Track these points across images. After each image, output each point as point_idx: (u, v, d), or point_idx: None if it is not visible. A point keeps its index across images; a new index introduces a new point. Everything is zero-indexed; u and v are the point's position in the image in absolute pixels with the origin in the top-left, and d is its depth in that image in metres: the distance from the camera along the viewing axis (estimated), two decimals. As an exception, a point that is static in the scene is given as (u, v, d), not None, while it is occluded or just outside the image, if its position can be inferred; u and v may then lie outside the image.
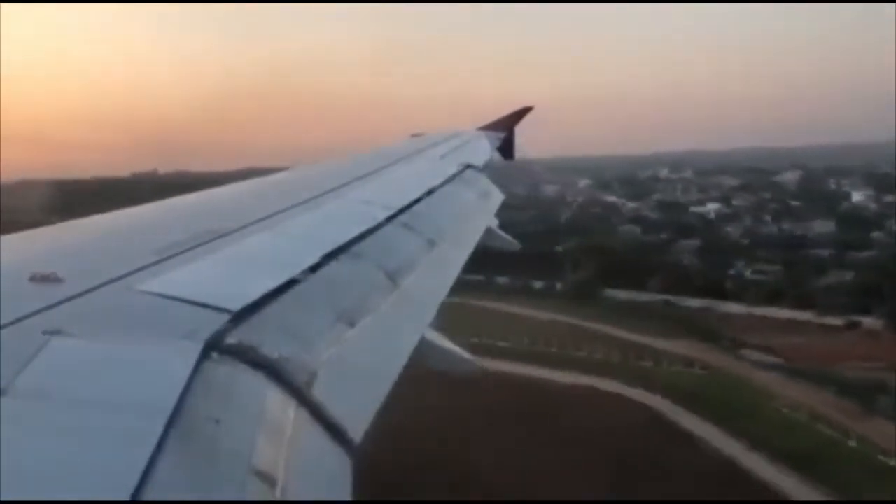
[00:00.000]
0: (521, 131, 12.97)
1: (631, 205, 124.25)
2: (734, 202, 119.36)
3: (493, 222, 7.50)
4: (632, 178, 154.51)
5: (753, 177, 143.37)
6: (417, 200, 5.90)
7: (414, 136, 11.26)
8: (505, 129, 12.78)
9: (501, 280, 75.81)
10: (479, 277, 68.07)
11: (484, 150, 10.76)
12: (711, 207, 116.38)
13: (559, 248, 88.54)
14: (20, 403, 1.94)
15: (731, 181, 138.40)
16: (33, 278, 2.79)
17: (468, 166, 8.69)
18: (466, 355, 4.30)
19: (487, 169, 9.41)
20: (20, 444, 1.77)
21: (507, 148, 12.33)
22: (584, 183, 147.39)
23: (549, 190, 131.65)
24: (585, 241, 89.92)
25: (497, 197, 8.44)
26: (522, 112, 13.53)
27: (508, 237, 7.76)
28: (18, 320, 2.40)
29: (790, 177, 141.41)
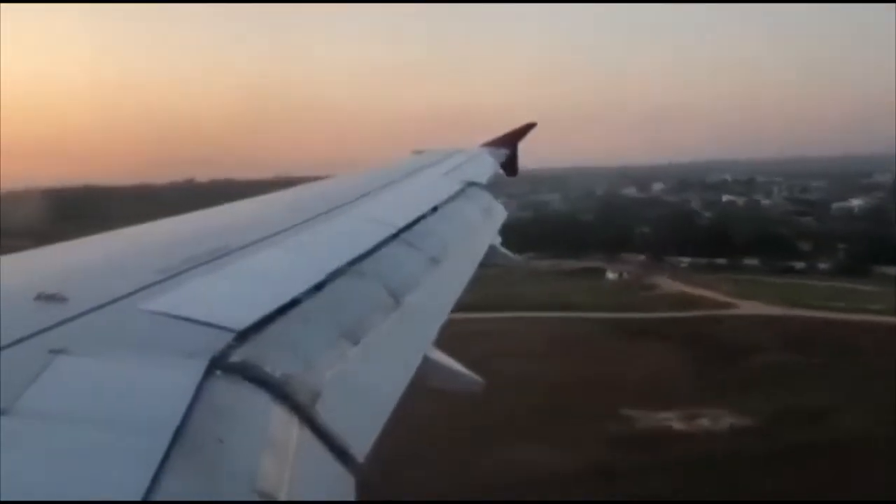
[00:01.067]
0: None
1: (766, 202, 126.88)
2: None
3: (497, 240, 7.51)
4: (700, 181, 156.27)
5: (848, 179, 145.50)
6: (421, 218, 5.91)
7: (416, 152, 11.28)
8: (509, 145, 12.79)
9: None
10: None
11: (487, 167, 10.78)
12: (855, 203, 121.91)
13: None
14: (24, 422, 1.94)
15: (821, 183, 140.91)
16: (38, 297, 2.80)
17: (471, 183, 8.71)
18: (469, 373, 4.30)
19: (491, 185, 9.43)
20: (23, 463, 1.77)
21: (510, 164, 12.33)
22: (658, 186, 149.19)
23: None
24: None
25: (500, 214, 8.45)
26: (526, 128, 13.54)
27: (512, 254, 7.76)
28: (23, 339, 2.41)
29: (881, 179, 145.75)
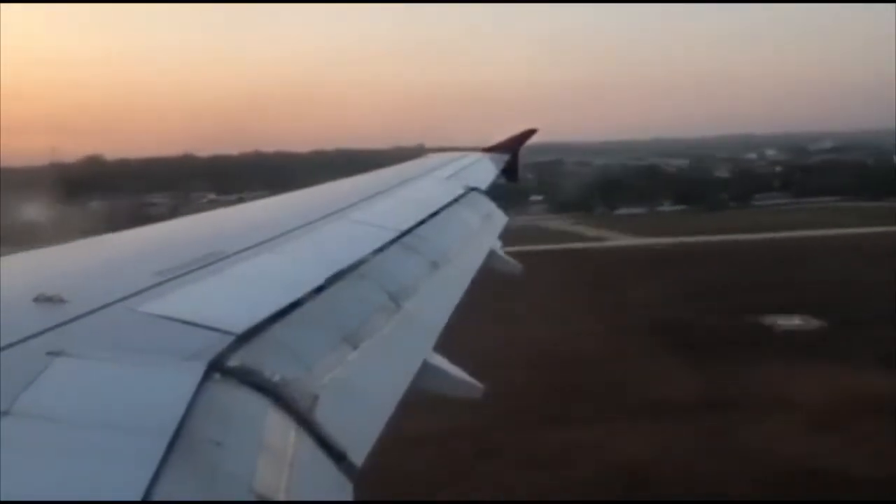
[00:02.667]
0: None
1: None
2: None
3: (497, 245, 7.50)
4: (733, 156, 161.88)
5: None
6: (421, 223, 5.91)
7: (419, 156, 11.29)
8: (509, 151, 12.79)
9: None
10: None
11: (488, 173, 10.79)
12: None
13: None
14: (23, 423, 1.94)
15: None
16: (38, 298, 2.80)
17: (472, 189, 8.72)
18: (469, 379, 4.28)
19: (491, 191, 9.44)
20: (22, 464, 1.77)
21: (511, 170, 12.33)
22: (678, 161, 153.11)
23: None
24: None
25: (500, 219, 8.45)
26: (526, 135, 13.55)
27: (511, 259, 7.75)
28: (23, 341, 2.41)
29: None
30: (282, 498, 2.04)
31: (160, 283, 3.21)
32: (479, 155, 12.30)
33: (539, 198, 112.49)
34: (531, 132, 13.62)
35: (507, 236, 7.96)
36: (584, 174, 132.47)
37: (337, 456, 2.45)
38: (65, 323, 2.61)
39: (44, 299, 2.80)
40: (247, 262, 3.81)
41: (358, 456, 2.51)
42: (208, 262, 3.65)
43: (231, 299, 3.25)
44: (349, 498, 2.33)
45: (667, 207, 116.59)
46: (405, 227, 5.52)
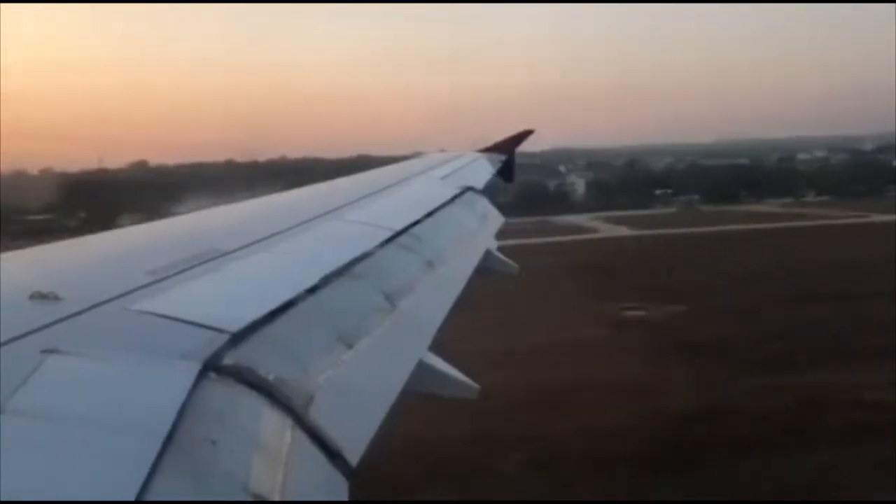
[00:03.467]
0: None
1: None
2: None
3: (493, 245, 7.51)
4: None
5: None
6: (417, 222, 5.91)
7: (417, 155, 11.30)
8: (505, 151, 12.82)
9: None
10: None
11: (484, 173, 10.80)
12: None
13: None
14: (16, 421, 1.93)
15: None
16: (33, 296, 2.79)
17: (468, 189, 8.72)
18: (465, 379, 4.29)
19: (487, 191, 9.45)
20: (15, 462, 1.76)
21: (507, 170, 12.36)
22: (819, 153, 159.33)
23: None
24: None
25: (496, 219, 8.46)
26: (523, 135, 13.58)
27: (507, 260, 7.76)
28: (17, 338, 2.40)
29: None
30: (277, 497, 2.03)
31: (155, 282, 3.20)
32: (475, 155, 12.32)
33: (668, 190, 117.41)
34: (528, 133, 13.66)
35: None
36: (719, 169, 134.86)
37: (332, 455, 2.44)
38: (59, 321, 2.60)
39: (38, 297, 2.79)
40: (242, 261, 3.80)
41: (353, 455, 2.51)
42: (204, 260, 3.64)
43: (226, 298, 3.24)
44: (344, 498, 2.33)
45: (811, 198, 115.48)
46: (401, 226, 5.52)
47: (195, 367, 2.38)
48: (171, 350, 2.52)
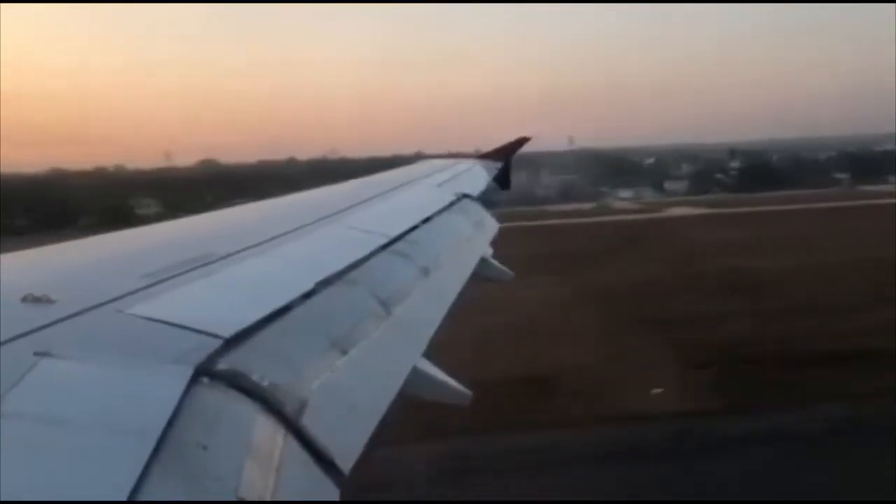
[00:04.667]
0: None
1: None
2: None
3: (488, 252, 7.51)
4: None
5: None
6: (413, 229, 5.92)
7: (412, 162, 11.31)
8: (502, 158, 12.84)
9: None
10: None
11: (480, 180, 10.81)
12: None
13: None
14: (7, 424, 1.93)
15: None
16: (25, 299, 2.78)
17: (464, 195, 8.73)
18: (458, 386, 4.29)
19: (483, 198, 9.46)
20: (7, 464, 1.76)
21: (503, 177, 12.38)
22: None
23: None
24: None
25: (492, 227, 8.46)
26: (520, 142, 13.60)
27: (503, 267, 7.76)
28: (9, 341, 2.39)
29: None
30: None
31: (150, 285, 3.20)
32: (471, 162, 12.35)
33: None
34: (524, 140, 13.68)
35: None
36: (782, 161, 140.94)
37: (324, 462, 2.44)
38: (52, 323, 2.59)
39: (32, 299, 2.78)
40: (237, 266, 3.80)
41: (346, 462, 2.50)
42: (199, 264, 3.64)
43: (220, 302, 3.24)
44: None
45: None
46: (397, 232, 5.53)
47: (187, 372, 2.37)
48: (163, 354, 2.51)
